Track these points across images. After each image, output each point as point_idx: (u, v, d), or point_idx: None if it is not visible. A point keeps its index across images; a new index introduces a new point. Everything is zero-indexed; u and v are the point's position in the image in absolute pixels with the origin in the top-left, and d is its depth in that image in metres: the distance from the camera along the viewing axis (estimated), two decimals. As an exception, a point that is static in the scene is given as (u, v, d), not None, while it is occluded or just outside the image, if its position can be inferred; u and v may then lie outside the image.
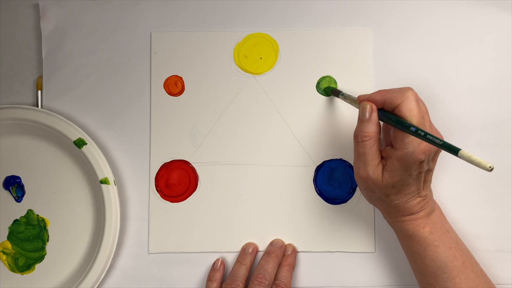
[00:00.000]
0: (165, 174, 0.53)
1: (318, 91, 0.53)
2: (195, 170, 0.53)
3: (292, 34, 0.54)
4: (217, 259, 0.52)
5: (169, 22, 0.54)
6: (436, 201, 0.49)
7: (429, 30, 0.53)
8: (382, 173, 0.44)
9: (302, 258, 0.53)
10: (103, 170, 0.51)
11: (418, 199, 0.46)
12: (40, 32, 0.54)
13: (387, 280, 0.52)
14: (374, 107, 0.45)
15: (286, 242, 0.53)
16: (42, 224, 0.53)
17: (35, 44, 0.55)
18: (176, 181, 0.53)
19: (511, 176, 0.52)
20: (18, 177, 0.53)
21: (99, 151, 0.52)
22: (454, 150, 0.37)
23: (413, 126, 0.41)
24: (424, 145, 0.42)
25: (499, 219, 0.52)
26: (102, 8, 0.54)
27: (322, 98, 0.53)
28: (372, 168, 0.44)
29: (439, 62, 0.53)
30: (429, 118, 0.45)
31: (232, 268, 0.51)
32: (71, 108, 0.54)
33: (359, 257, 0.52)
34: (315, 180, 0.53)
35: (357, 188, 0.53)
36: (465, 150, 0.37)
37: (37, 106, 0.54)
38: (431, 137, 0.40)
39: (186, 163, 0.53)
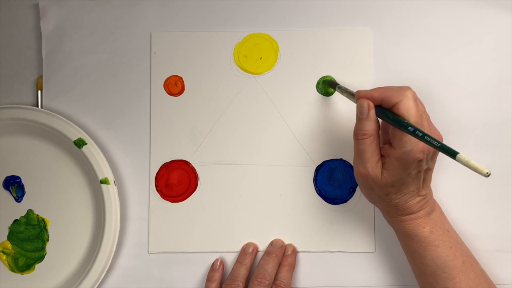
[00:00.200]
0: (165, 174, 0.53)
1: (318, 91, 0.53)
2: (195, 170, 0.53)
3: (292, 34, 0.54)
4: (216, 259, 0.52)
5: (169, 22, 0.54)
6: (436, 200, 0.49)
7: (429, 30, 0.53)
8: (382, 172, 0.44)
9: (302, 258, 0.53)
10: (103, 170, 0.51)
11: (418, 198, 0.46)
12: (40, 32, 0.54)
13: (387, 280, 0.52)
14: (372, 104, 0.45)
15: (286, 242, 0.53)
16: (42, 224, 0.53)
17: (35, 44, 0.55)
18: (176, 181, 0.53)
19: (511, 176, 0.52)
20: (18, 177, 0.53)
21: (99, 151, 0.52)
22: (452, 153, 0.37)
23: (411, 126, 0.41)
24: (423, 144, 0.42)
25: (499, 219, 0.52)
26: (102, 8, 0.54)
27: (322, 98, 0.53)
28: (372, 165, 0.45)
29: (439, 62, 0.53)
30: (428, 117, 0.45)
31: (232, 268, 0.51)
32: (71, 108, 0.54)
33: (359, 257, 0.52)
34: (315, 180, 0.53)
35: (357, 188, 0.53)
36: (463, 154, 0.37)
37: (37, 106, 0.54)
38: (429, 139, 0.40)
39: (186, 163, 0.53)
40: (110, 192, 0.51)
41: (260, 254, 0.52)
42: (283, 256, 0.52)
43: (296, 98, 0.53)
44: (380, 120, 0.46)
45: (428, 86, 0.53)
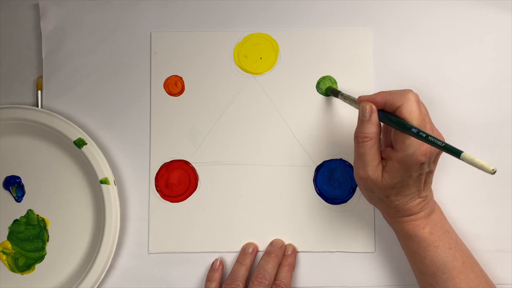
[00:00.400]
0: (165, 174, 0.53)
1: (318, 91, 0.53)
2: (195, 170, 0.53)
3: (292, 34, 0.54)
4: (216, 259, 0.52)
5: (169, 22, 0.54)
6: (436, 201, 0.49)
7: (429, 30, 0.53)
8: (382, 174, 0.44)
9: (302, 258, 0.53)
10: (103, 170, 0.51)
11: (418, 200, 0.46)
12: (40, 32, 0.54)
13: (387, 280, 0.52)
14: (374, 107, 0.45)
15: (286, 242, 0.53)
16: (42, 224, 0.53)
17: (35, 44, 0.55)
18: (176, 181, 0.53)
19: (511, 176, 0.52)
20: (18, 177, 0.53)
21: (99, 151, 0.52)
22: (456, 153, 0.37)
23: (415, 128, 0.41)
24: (425, 147, 0.42)
25: (499, 219, 0.52)
26: (102, 8, 0.54)
27: (322, 98, 0.53)
28: (372, 168, 0.44)
29: (439, 62, 0.53)
30: (430, 120, 0.45)
31: (232, 268, 0.51)
32: (71, 108, 0.54)
33: (359, 257, 0.52)
34: (315, 180, 0.53)
35: (357, 188, 0.53)
36: (467, 152, 0.37)
37: (37, 106, 0.54)
38: (432, 139, 0.40)
39: (186, 163, 0.53)
40: (110, 192, 0.51)
41: (260, 254, 0.52)
42: (283, 256, 0.52)
43: (296, 98, 0.53)
44: (382, 123, 0.46)
45: (428, 86, 0.53)
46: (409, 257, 0.48)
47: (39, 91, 0.54)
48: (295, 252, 0.52)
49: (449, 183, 0.52)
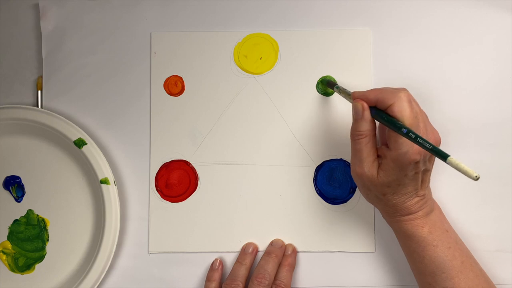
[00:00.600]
0: (165, 174, 0.53)
1: (318, 91, 0.53)
2: (195, 170, 0.53)
3: (292, 34, 0.54)
4: (216, 259, 0.52)
5: (169, 22, 0.54)
6: (436, 201, 0.49)
7: (429, 30, 0.53)
8: (378, 171, 0.44)
9: (302, 258, 0.53)
10: (103, 170, 0.51)
11: (416, 199, 0.46)
12: (40, 32, 0.54)
13: (387, 280, 0.52)
14: (366, 105, 0.45)
15: (286, 242, 0.53)
16: (42, 224, 0.53)
17: (35, 44, 0.55)
18: (176, 181, 0.53)
19: (511, 176, 0.52)
20: (18, 177, 0.53)
21: (99, 151, 0.52)
22: (443, 156, 0.38)
23: (405, 128, 0.41)
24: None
25: (499, 219, 0.52)
26: (102, 8, 0.54)
27: (322, 98, 0.53)
28: (368, 165, 0.45)
29: (439, 62, 0.53)
30: (425, 118, 0.45)
31: (232, 268, 0.51)
32: (71, 108, 0.54)
33: (359, 257, 0.52)
34: (315, 180, 0.53)
35: (357, 188, 0.53)
36: (453, 157, 0.37)
37: (37, 106, 0.54)
38: (421, 141, 0.40)
39: (186, 163, 0.53)
40: (110, 192, 0.51)
41: (260, 254, 0.52)
42: (283, 256, 0.52)
43: (296, 98, 0.53)
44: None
45: (428, 86, 0.53)
46: (408, 256, 0.48)
47: (39, 91, 0.54)
48: (295, 252, 0.52)
49: (448, 183, 0.52)
